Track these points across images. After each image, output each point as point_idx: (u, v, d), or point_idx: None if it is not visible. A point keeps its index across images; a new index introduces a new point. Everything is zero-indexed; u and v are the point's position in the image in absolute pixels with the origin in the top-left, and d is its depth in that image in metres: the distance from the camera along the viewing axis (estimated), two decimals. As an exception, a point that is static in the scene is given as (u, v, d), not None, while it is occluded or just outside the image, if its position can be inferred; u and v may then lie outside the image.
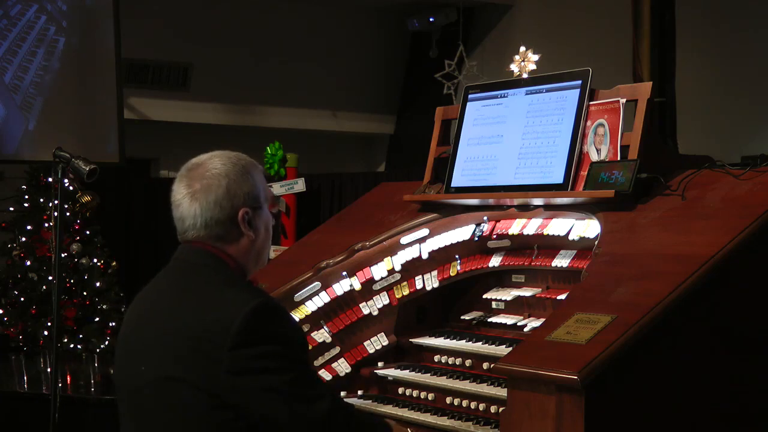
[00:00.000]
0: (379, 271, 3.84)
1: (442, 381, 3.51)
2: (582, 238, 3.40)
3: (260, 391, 2.51)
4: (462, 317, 3.85)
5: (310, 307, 3.78)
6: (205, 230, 2.72)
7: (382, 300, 3.85)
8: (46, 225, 8.24)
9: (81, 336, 8.20)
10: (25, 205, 8.48)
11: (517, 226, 3.62)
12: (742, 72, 8.87)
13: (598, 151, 3.45)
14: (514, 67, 3.81)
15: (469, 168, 3.84)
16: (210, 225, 2.72)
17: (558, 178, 3.50)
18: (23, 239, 8.35)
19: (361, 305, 3.85)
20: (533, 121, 3.67)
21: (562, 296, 3.41)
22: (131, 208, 9.76)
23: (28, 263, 8.29)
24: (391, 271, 3.85)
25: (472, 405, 3.34)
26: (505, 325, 3.66)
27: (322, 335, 3.77)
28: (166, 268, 2.81)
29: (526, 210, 3.63)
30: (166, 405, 2.58)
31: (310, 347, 3.71)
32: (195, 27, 10.36)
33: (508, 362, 2.86)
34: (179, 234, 2.80)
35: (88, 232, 8.45)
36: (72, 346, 8.11)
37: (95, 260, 8.39)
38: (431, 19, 10.79)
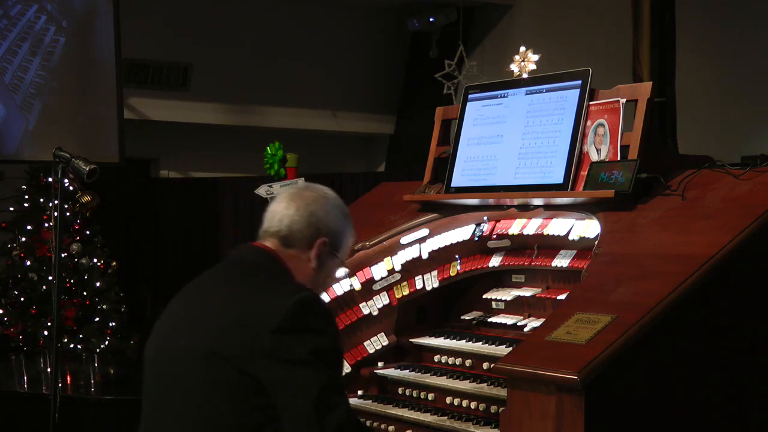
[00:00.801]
0: (379, 271, 3.84)
1: (442, 381, 3.51)
2: (582, 238, 3.40)
3: (288, 381, 2.54)
4: (462, 317, 3.85)
5: (310, 307, 3.78)
6: (287, 232, 2.81)
7: (382, 300, 3.85)
8: (46, 225, 8.24)
9: (81, 336, 8.19)
10: (25, 205, 8.47)
11: (517, 226, 3.62)
12: (742, 72, 8.87)
13: (598, 151, 3.45)
14: (514, 67, 3.81)
15: (469, 168, 3.84)
16: (293, 230, 2.81)
17: (558, 178, 3.50)
18: (23, 239, 8.35)
19: (361, 305, 3.85)
20: (533, 121, 3.67)
21: (562, 296, 3.41)
22: (131, 208, 9.76)
23: (28, 263, 8.28)
24: (391, 271, 3.85)
25: (472, 405, 3.34)
26: (505, 325, 3.66)
27: (322, 335, 3.76)
28: (224, 260, 2.89)
29: (526, 210, 3.63)
30: (198, 378, 2.61)
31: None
32: (195, 27, 10.35)
33: (508, 362, 2.86)
34: (262, 229, 2.87)
35: (88, 232, 8.45)
36: (72, 346, 8.11)
37: (95, 260, 8.38)
38: (431, 19, 10.78)
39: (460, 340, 3.69)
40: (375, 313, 3.85)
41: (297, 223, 2.81)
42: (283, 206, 2.84)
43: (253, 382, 2.54)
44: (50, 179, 8.06)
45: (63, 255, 8.10)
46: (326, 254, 2.84)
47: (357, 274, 3.84)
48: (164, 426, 2.70)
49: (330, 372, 2.58)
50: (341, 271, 3.10)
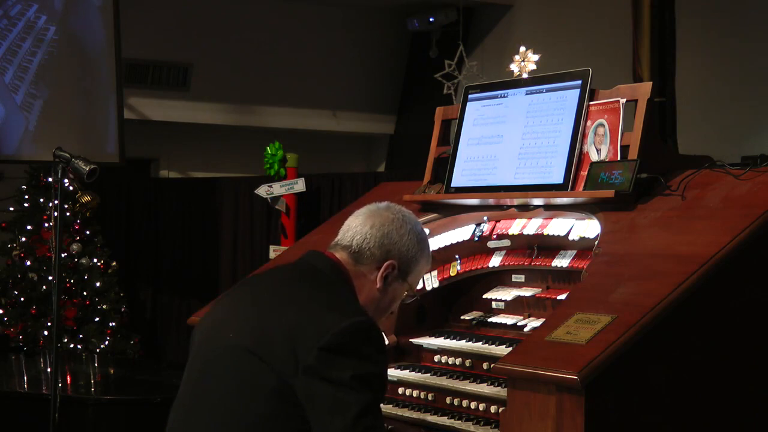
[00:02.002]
0: (379, 271, 3.83)
1: (442, 381, 3.51)
2: (582, 238, 3.40)
3: (327, 399, 2.49)
4: (462, 317, 3.85)
5: (310, 307, 3.77)
6: (357, 248, 2.79)
7: (382, 300, 3.84)
8: (46, 225, 8.25)
9: (81, 336, 8.20)
10: (25, 205, 8.48)
11: (517, 226, 3.62)
12: (742, 72, 8.87)
13: (598, 151, 3.45)
14: (514, 67, 3.81)
15: (469, 168, 3.84)
16: (363, 248, 2.79)
17: (558, 178, 3.50)
18: (23, 239, 8.36)
19: (361, 305, 3.84)
20: (533, 121, 3.67)
21: (562, 296, 3.41)
22: (131, 208, 9.76)
23: (28, 263, 8.29)
24: (392, 271, 3.84)
25: (472, 405, 3.34)
26: (505, 325, 3.66)
27: (322, 335, 3.76)
28: (293, 263, 2.85)
29: (526, 210, 3.63)
30: (238, 375, 2.59)
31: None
32: (195, 27, 10.35)
33: (508, 362, 2.86)
34: (334, 241, 2.86)
35: (88, 232, 8.46)
36: (72, 346, 8.11)
37: (95, 260, 8.39)
38: (431, 19, 10.78)
39: (460, 340, 3.68)
40: (375, 313, 3.84)
41: (368, 242, 2.79)
42: (359, 222, 2.83)
43: (291, 392, 2.52)
44: (50, 179, 8.07)
45: (63, 255, 8.10)
46: (393, 277, 2.82)
47: (357, 274, 3.83)
48: (199, 411, 2.68)
49: (371, 396, 2.53)
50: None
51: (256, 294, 2.79)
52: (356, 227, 2.83)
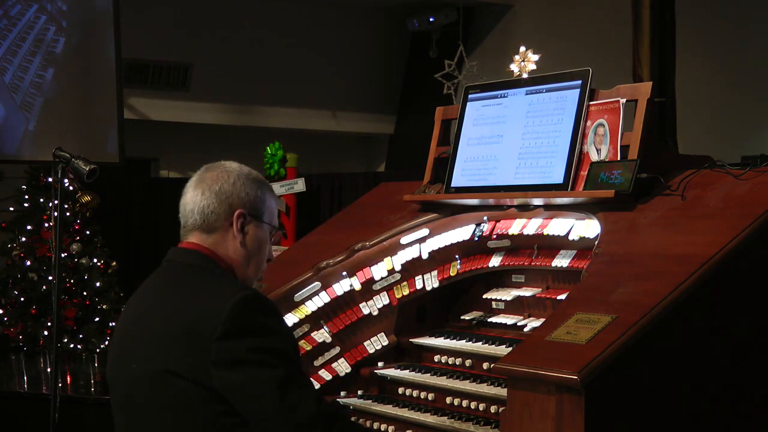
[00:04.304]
0: (379, 271, 3.84)
1: (442, 381, 3.50)
2: (582, 238, 3.40)
3: (245, 386, 2.51)
4: (462, 317, 3.85)
5: (310, 307, 3.78)
6: (203, 219, 2.78)
7: (382, 300, 3.85)
8: (46, 225, 8.25)
9: (81, 336, 8.20)
10: (25, 205, 8.49)
11: (517, 226, 3.62)
12: (743, 72, 8.88)
13: (598, 151, 3.45)
14: (514, 67, 3.81)
15: (469, 168, 3.84)
16: (206, 213, 2.78)
17: (558, 178, 3.50)
18: (23, 239, 8.36)
19: (361, 305, 3.84)
20: (533, 121, 3.67)
21: (562, 296, 3.41)
22: (131, 208, 9.76)
23: (28, 263, 8.29)
24: (391, 271, 3.84)
25: (472, 405, 3.34)
26: (505, 325, 3.66)
27: (322, 335, 3.77)
28: (158, 269, 2.85)
29: (526, 210, 3.63)
30: (158, 399, 2.59)
31: (309, 347, 3.72)
32: (195, 27, 10.36)
33: (508, 362, 2.86)
34: (182, 225, 2.85)
35: (88, 232, 8.46)
36: (72, 346, 8.12)
37: (95, 260, 8.39)
38: (431, 19, 10.80)
39: (460, 340, 3.68)
40: (375, 313, 3.85)
41: (208, 207, 2.77)
42: (190, 196, 2.82)
43: (211, 392, 2.52)
44: (50, 179, 8.07)
45: (63, 255, 8.10)
46: (248, 224, 2.79)
47: (357, 274, 3.84)
48: None
49: (286, 366, 2.54)
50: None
51: (141, 314, 2.75)
52: (191, 201, 2.81)
